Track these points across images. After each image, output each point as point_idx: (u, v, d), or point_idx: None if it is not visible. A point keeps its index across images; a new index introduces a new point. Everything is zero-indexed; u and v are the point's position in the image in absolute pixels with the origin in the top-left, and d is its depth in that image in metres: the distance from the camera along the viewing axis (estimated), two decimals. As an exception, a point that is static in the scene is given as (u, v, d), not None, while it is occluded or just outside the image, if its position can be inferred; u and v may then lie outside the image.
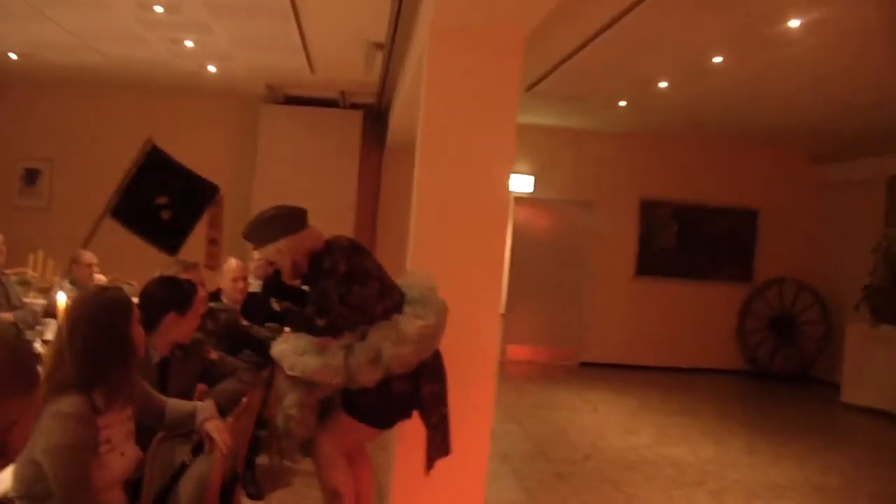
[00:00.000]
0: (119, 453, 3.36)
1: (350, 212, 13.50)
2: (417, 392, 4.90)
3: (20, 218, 13.41)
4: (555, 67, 9.57)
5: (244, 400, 4.22)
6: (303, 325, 4.86)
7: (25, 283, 9.58)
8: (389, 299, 4.89)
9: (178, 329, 4.38)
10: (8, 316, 7.24)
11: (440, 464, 5.07)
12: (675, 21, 7.60)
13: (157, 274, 4.99)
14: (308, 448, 5.03)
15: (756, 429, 10.73)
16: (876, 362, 12.27)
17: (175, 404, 3.79)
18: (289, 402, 4.79)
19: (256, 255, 8.01)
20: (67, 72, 12.61)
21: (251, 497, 6.29)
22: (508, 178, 5.98)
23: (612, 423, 10.49)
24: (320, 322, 4.69)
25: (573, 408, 11.28)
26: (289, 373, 4.78)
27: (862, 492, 8.23)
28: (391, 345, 4.66)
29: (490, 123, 5.92)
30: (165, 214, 14.04)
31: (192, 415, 3.72)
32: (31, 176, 14.14)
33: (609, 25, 7.70)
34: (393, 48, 9.18)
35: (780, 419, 11.74)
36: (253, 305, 6.98)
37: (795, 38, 7.62)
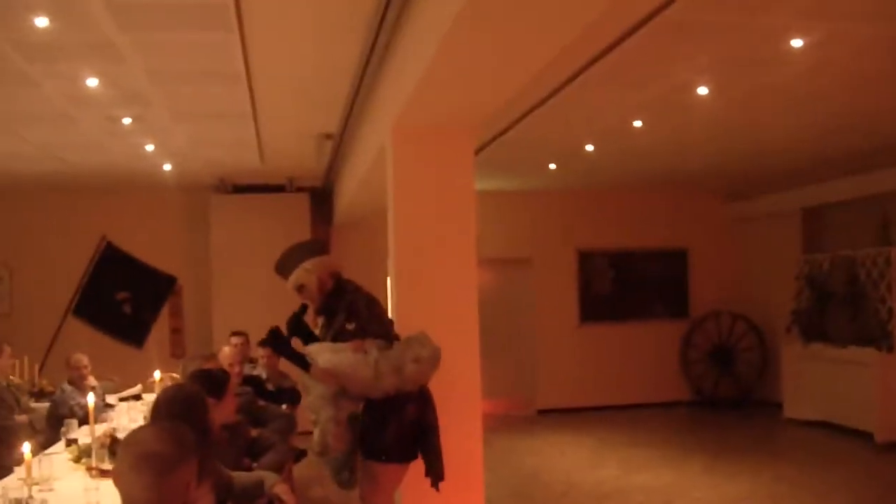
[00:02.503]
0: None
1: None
2: (424, 417, 5.68)
3: (-20, 324, 13.62)
4: (490, 141, 10.40)
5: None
6: (336, 337, 5.61)
7: (16, 388, 9.97)
8: (393, 327, 5.73)
9: (221, 412, 5.08)
10: (24, 418, 7.89)
11: (445, 498, 5.80)
12: (598, 96, 8.53)
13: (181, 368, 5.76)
14: (349, 482, 5.71)
15: (709, 451, 11.60)
16: (811, 378, 13.21)
17: (242, 476, 4.52)
18: (323, 420, 5.48)
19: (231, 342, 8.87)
20: (25, 179, 12.87)
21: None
22: (473, 244, 6.86)
23: (578, 461, 11.29)
24: (350, 326, 5.48)
25: (540, 452, 12.06)
26: (323, 366, 5.41)
27: (809, 493, 9.13)
28: (411, 361, 5.47)
29: (451, 202, 6.83)
30: (127, 308, 14.68)
31: (259, 484, 4.46)
32: (-11, 282, 14.28)
33: (540, 104, 8.59)
34: (343, 137, 10.03)
35: (731, 440, 12.66)
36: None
37: (704, 101, 8.62)
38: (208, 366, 5.77)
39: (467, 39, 4.65)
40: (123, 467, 2.59)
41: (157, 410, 3.86)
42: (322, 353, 5.51)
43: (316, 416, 5.61)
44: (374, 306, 5.74)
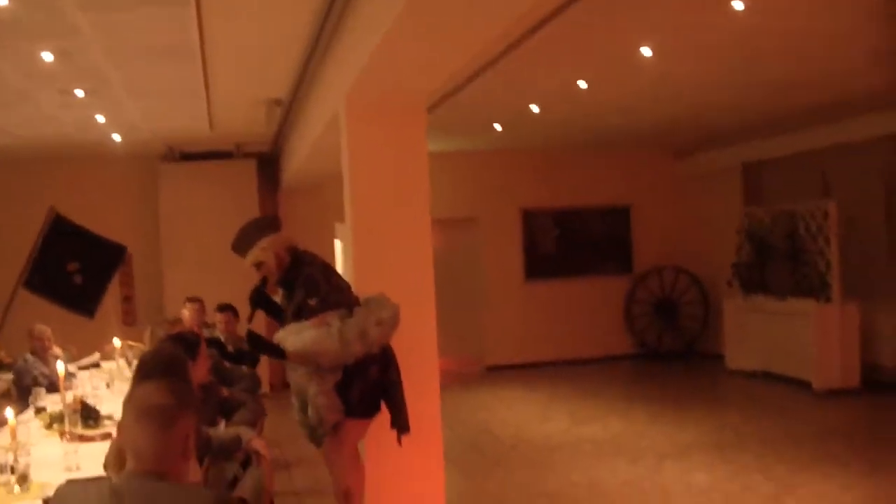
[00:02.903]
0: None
1: None
2: (386, 376, 5.95)
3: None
4: (436, 104, 10.57)
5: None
6: (297, 313, 5.82)
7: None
8: (353, 293, 5.95)
9: (196, 373, 5.28)
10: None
11: (406, 451, 6.15)
12: (543, 58, 8.72)
13: (148, 333, 5.96)
14: (320, 440, 5.96)
15: (655, 402, 11.98)
16: (752, 329, 13.61)
17: (219, 433, 4.73)
18: (313, 394, 5.71)
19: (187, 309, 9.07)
20: None
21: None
22: (427, 208, 7.08)
23: (528, 415, 11.61)
24: (312, 301, 5.70)
25: (489, 407, 12.36)
26: (291, 350, 5.65)
27: (752, 439, 9.52)
28: (374, 325, 5.70)
29: (405, 167, 7.04)
30: (78, 279, 14.67)
31: (236, 439, 4.67)
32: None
33: (486, 67, 8.77)
34: (293, 103, 10.17)
35: (675, 391, 13.09)
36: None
37: (647, 63, 8.86)
38: (175, 330, 5.95)
39: (422, 11, 4.82)
40: (128, 421, 2.77)
41: (144, 370, 4.03)
42: (287, 339, 5.73)
43: (304, 394, 5.84)
44: (331, 276, 5.93)
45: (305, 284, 5.79)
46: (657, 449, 9.32)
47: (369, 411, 6.03)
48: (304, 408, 5.85)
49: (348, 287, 6.09)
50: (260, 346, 6.01)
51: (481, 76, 9.07)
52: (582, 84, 9.91)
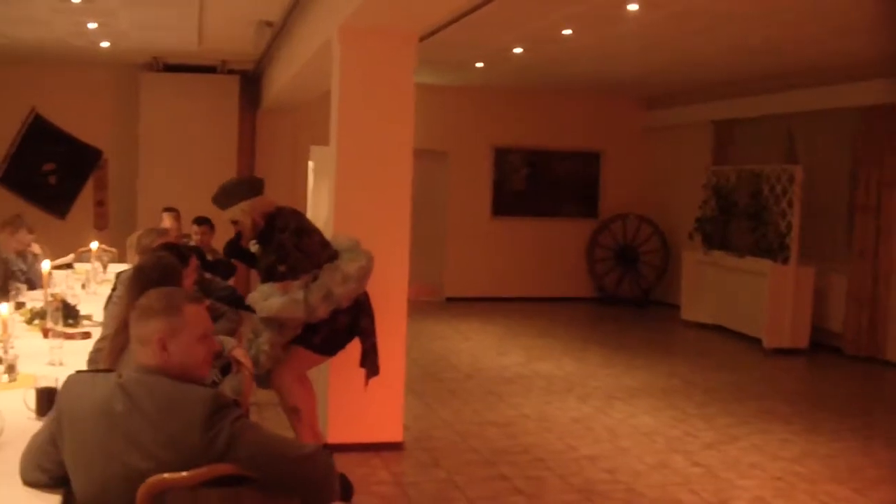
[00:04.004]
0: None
1: (231, 167, 14.05)
2: (356, 324, 6.29)
3: None
4: (422, 38, 10.74)
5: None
6: (267, 274, 6.13)
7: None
8: (329, 249, 6.25)
9: (186, 281, 5.53)
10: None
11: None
12: (532, 5, 8.99)
13: (133, 240, 6.24)
14: (266, 381, 6.33)
15: (609, 346, 12.37)
16: (709, 283, 13.98)
17: None
18: (263, 340, 6.06)
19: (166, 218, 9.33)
20: None
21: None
22: (410, 140, 7.39)
23: (484, 348, 11.97)
24: (282, 268, 6.00)
25: (447, 337, 12.70)
26: (259, 315, 6.03)
27: (698, 389, 9.90)
28: (339, 283, 6.02)
29: (392, 99, 7.32)
30: (52, 179, 14.85)
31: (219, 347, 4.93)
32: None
33: (475, 8, 8.97)
34: (283, 26, 10.34)
35: (629, 337, 13.47)
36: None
37: (634, 17, 9.15)
38: (164, 240, 6.19)
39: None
40: (137, 322, 3.06)
41: (144, 276, 4.26)
42: (257, 303, 6.06)
43: (255, 335, 6.16)
44: (302, 240, 6.12)
45: (277, 250, 6.05)
46: (606, 390, 9.69)
47: (328, 351, 6.37)
48: (251, 345, 6.14)
49: (321, 243, 6.26)
50: (237, 254, 6.45)
51: (472, 14, 9.26)
52: (567, 31, 10.17)
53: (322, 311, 6.00)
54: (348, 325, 6.26)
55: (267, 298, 6.02)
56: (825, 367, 11.83)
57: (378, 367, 6.49)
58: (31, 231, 8.98)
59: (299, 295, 5.94)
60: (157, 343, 2.99)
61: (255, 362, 6.00)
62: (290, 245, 6.02)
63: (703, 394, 9.71)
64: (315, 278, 6.03)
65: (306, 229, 6.22)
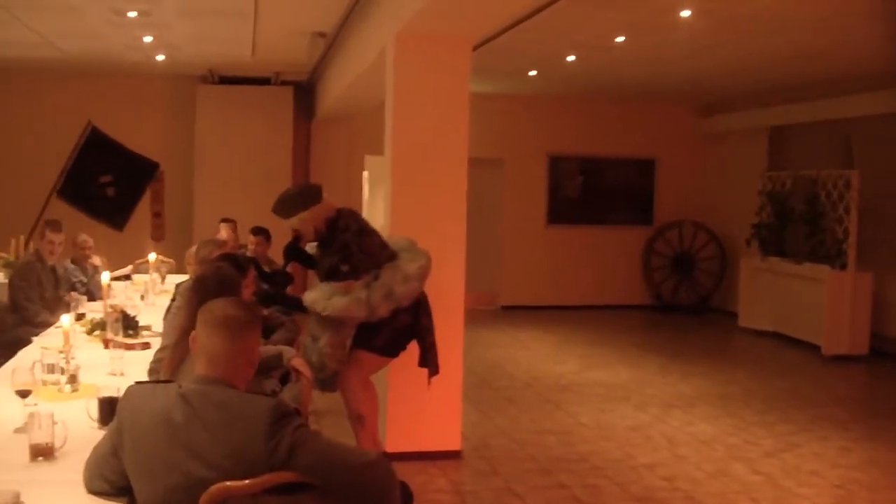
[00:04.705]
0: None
1: (286, 178, 14.06)
2: (417, 323, 6.32)
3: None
4: (476, 47, 10.77)
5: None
6: (330, 274, 6.16)
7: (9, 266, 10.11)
8: (388, 249, 6.29)
9: (245, 291, 5.56)
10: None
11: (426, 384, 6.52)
12: (585, 12, 8.97)
13: (193, 252, 6.30)
14: (329, 385, 6.36)
15: (665, 354, 12.29)
16: (766, 290, 13.84)
17: (263, 350, 5.00)
18: (324, 342, 6.08)
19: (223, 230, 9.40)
20: (16, 64, 13.20)
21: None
22: (465, 148, 7.40)
23: (541, 356, 11.95)
24: (345, 268, 6.03)
25: (504, 345, 12.69)
26: (322, 314, 6.04)
27: (757, 397, 9.80)
28: (400, 283, 6.06)
29: (447, 107, 7.36)
30: (110, 192, 15.04)
31: (278, 356, 4.97)
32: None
33: (530, 16, 8.98)
34: (337, 37, 10.40)
35: (686, 344, 13.37)
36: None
37: (686, 24, 9.10)
38: (222, 251, 6.23)
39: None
40: (204, 332, 3.07)
41: (204, 286, 4.28)
42: (318, 303, 6.08)
43: (314, 338, 6.19)
44: (364, 240, 6.16)
45: (340, 251, 6.08)
46: (664, 398, 9.63)
47: (392, 352, 6.42)
48: (311, 350, 6.17)
49: (381, 244, 6.31)
50: (296, 256, 6.53)
51: (526, 22, 9.27)
52: (619, 39, 10.15)
53: (383, 310, 6.03)
54: (409, 324, 6.30)
55: (330, 298, 6.06)
56: (885, 374, 11.68)
57: (438, 366, 6.48)
58: (57, 230, 8.65)
59: (362, 294, 5.98)
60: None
61: (320, 366, 6.06)
62: (353, 246, 6.06)
63: (762, 401, 9.62)
64: (376, 278, 6.07)
65: (367, 230, 6.26)
